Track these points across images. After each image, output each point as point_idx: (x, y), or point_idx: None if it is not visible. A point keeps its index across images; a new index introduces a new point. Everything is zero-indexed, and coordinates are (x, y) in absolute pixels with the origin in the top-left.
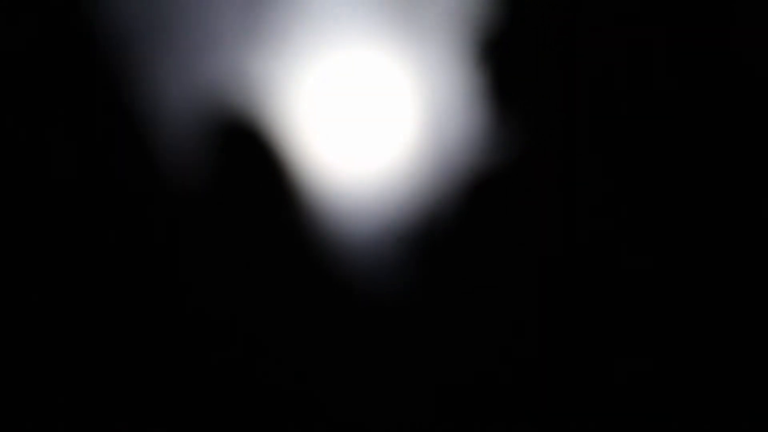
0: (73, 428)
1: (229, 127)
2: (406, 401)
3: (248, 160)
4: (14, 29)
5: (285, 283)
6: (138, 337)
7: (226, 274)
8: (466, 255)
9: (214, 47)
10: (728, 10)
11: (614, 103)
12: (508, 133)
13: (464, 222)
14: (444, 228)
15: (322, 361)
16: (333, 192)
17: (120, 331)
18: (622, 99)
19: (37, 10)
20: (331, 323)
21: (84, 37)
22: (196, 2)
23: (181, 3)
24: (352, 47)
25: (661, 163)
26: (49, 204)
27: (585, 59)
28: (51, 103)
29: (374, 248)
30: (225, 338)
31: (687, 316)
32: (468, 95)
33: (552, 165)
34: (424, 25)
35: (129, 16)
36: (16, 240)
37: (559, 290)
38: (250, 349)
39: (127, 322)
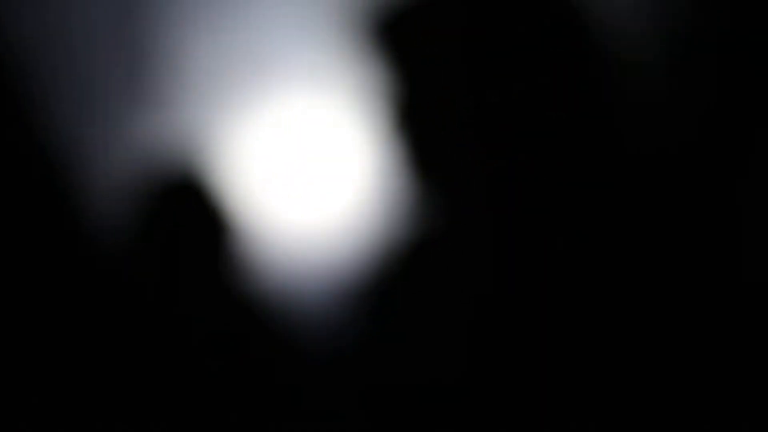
0: None
1: (170, 184)
2: None
3: (188, 217)
4: None
5: (226, 340)
6: (65, 402)
7: (163, 333)
8: (408, 310)
9: (154, 103)
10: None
11: (531, 162)
12: (439, 195)
13: (406, 277)
14: (387, 283)
15: (266, 418)
16: (277, 247)
17: (42, 394)
18: (537, 160)
19: None
20: (275, 379)
21: (11, 97)
22: (133, 57)
23: (120, 59)
24: (298, 102)
25: (582, 224)
26: None
27: (501, 127)
28: None
29: (318, 304)
30: (164, 399)
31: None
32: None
33: (480, 227)
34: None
35: (61, 76)
36: None
37: (493, 344)
38: (191, 406)
39: (52, 383)
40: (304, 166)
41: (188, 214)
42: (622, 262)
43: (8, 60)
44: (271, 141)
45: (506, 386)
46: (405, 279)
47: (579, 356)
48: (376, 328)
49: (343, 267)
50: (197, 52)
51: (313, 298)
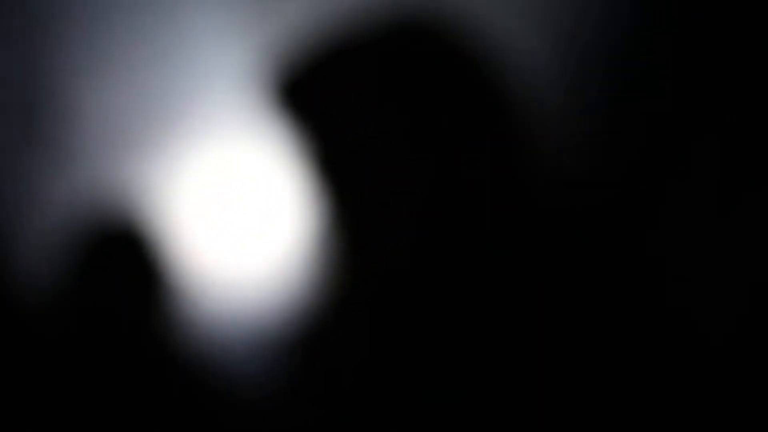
0: None
1: (95, 238)
2: None
3: (113, 270)
4: None
5: (157, 390)
6: None
7: (99, 384)
8: (336, 361)
9: (86, 153)
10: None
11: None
12: (361, 244)
13: (335, 326)
14: (316, 333)
15: None
16: (208, 296)
17: None
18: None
19: None
20: (204, 430)
21: None
22: (65, 108)
23: (50, 110)
24: (230, 151)
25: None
26: None
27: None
28: None
29: (246, 355)
30: None
31: None
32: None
33: (400, 277)
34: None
35: None
36: None
37: (413, 394)
38: None
39: None
40: (231, 218)
41: (114, 267)
42: (536, 316)
43: None
44: (195, 193)
45: None
46: (330, 330)
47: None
48: (303, 379)
49: (271, 318)
50: (115, 106)
51: (241, 349)
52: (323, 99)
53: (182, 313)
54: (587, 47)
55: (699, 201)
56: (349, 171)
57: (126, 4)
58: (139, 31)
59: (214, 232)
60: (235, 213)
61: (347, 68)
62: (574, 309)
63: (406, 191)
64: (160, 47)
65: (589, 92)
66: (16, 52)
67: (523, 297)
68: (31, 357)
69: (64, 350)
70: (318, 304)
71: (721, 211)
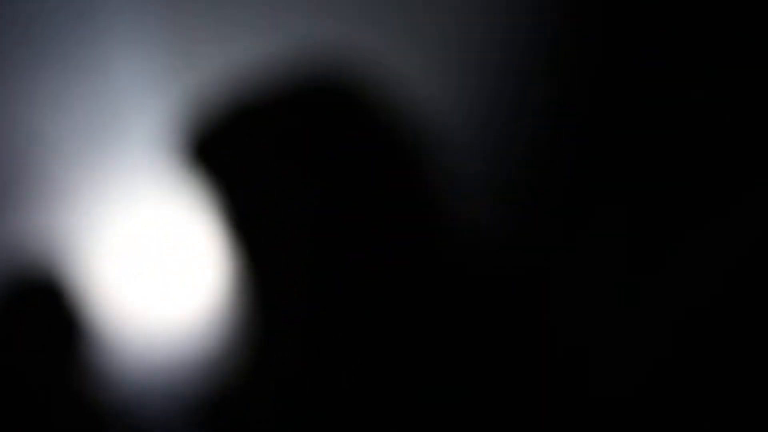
0: None
1: (23, 284)
2: None
3: (36, 317)
4: None
5: None
6: None
7: None
8: (254, 413)
9: (7, 204)
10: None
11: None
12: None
13: (252, 379)
14: (233, 384)
15: None
16: (125, 348)
17: None
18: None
19: None
20: None
21: None
22: None
23: None
24: (149, 203)
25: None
26: None
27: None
28: None
29: (163, 406)
30: None
31: None
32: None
33: (313, 335)
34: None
35: None
36: None
37: None
38: None
39: None
40: (148, 270)
41: (29, 319)
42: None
43: None
44: (112, 244)
45: None
46: (243, 382)
47: None
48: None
49: (186, 370)
50: (29, 154)
51: (157, 402)
52: (232, 156)
53: (99, 366)
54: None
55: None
56: (259, 226)
57: (43, 54)
58: (58, 80)
59: (131, 283)
60: (152, 265)
61: (257, 125)
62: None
63: (315, 246)
64: (79, 95)
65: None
66: None
67: (428, 351)
68: None
69: None
70: (231, 358)
71: (628, 274)
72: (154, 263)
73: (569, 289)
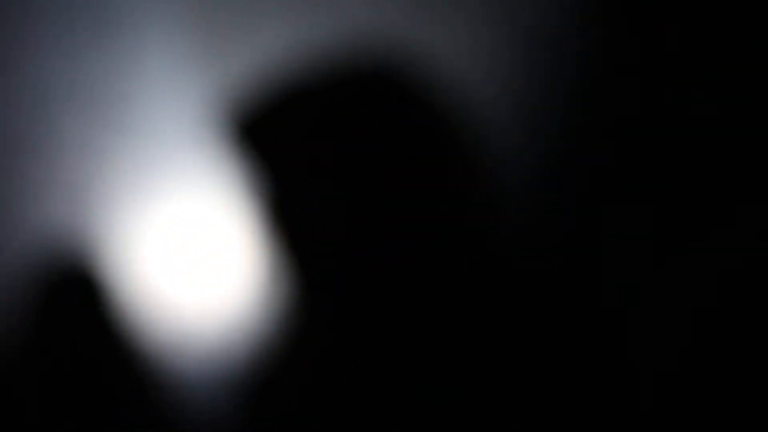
0: None
1: (60, 275)
2: None
3: (76, 308)
4: None
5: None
6: None
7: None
8: (290, 399)
9: (37, 195)
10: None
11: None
12: (309, 285)
13: (289, 366)
14: (270, 372)
15: None
16: (164, 335)
17: None
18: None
19: None
20: None
21: None
22: (14, 149)
23: (13, 153)
24: (184, 198)
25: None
26: None
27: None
28: None
29: (203, 391)
30: None
31: None
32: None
33: (350, 317)
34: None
35: None
36: None
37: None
38: None
39: None
40: (187, 259)
41: (68, 310)
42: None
43: None
44: (151, 235)
45: None
46: (285, 367)
47: None
48: (257, 417)
49: (228, 357)
50: (66, 147)
51: (198, 386)
52: (270, 143)
53: (137, 358)
54: (542, 86)
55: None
56: (297, 214)
57: (75, 48)
58: (92, 73)
59: (171, 273)
60: (188, 256)
61: (298, 109)
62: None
63: (357, 233)
64: (112, 87)
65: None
66: None
67: (473, 336)
68: None
69: (23, 394)
70: (272, 343)
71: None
72: (190, 254)
73: (607, 275)
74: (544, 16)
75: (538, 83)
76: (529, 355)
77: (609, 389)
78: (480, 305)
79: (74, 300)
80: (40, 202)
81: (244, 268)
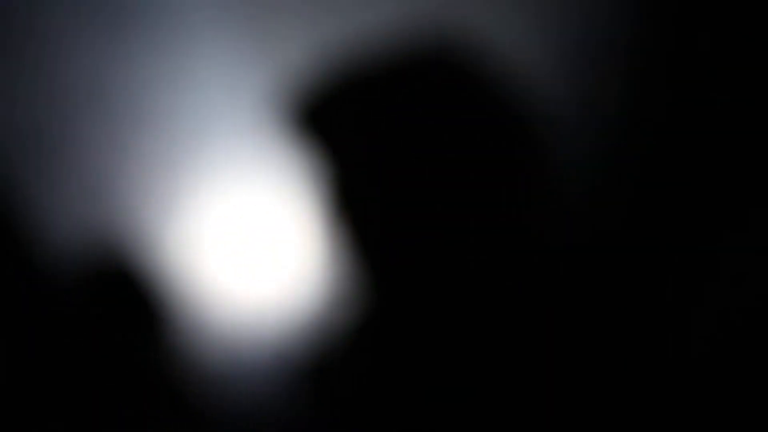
0: None
1: (115, 266)
2: None
3: (133, 300)
4: None
5: (171, 413)
6: None
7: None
8: (354, 386)
9: (96, 184)
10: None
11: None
12: (375, 275)
13: (352, 354)
14: (334, 359)
15: None
16: (227, 321)
17: None
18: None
19: None
20: None
21: None
22: (74, 139)
23: (80, 151)
24: (244, 181)
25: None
26: None
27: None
28: None
29: (266, 377)
30: None
31: None
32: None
33: (414, 306)
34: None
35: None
36: None
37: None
38: None
39: None
40: (248, 248)
41: (126, 302)
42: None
43: None
44: (211, 224)
45: None
46: (343, 358)
47: None
48: (315, 408)
49: (284, 347)
50: (124, 138)
51: (255, 378)
52: (333, 131)
53: (197, 347)
54: (596, 56)
55: (708, 214)
56: (364, 198)
57: (131, 39)
58: (148, 65)
59: (231, 263)
60: (251, 243)
61: (360, 94)
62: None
63: (420, 217)
64: (168, 79)
65: (602, 105)
66: (29, 78)
67: (536, 320)
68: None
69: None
70: (334, 332)
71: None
72: (251, 246)
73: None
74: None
75: (590, 64)
76: (584, 341)
77: (674, 380)
78: (540, 292)
79: (135, 295)
80: (104, 198)
81: (304, 259)
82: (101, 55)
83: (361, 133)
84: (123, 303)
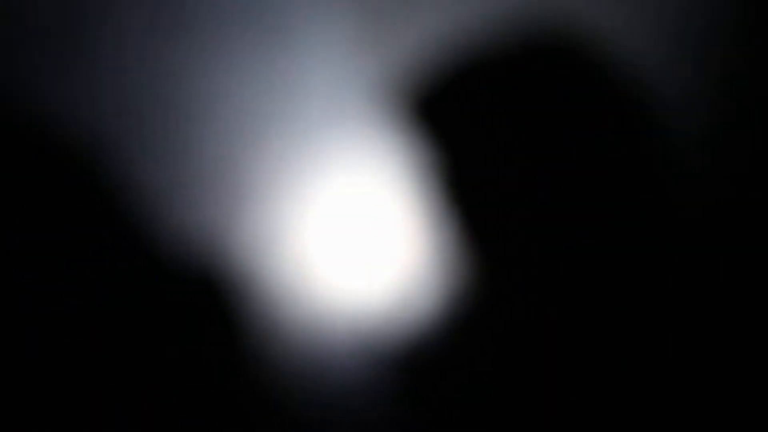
0: None
1: (225, 263)
2: None
3: (240, 294)
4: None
5: (264, 401)
6: None
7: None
8: (446, 384)
9: (205, 175)
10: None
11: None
12: (488, 268)
13: (449, 352)
14: (428, 355)
15: None
16: (330, 316)
17: None
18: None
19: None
20: None
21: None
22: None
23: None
24: (347, 177)
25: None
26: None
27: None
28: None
29: (358, 369)
30: None
31: None
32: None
33: (527, 300)
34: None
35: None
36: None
37: (533, 423)
38: None
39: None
40: (356, 243)
41: (230, 291)
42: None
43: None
44: (320, 216)
45: None
46: (451, 352)
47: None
48: (422, 401)
49: (388, 343)
50: (233, 129)
51: (357, 371)
52: (450, 118)
53: (300, 343)
54: (696, 41)
55: None
56: (478, 187)
57: (234, 38)
58: (253, 64)
59: (339, 257)
60: (361, 238)
61: (475, 83)
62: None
63: (536, 207)
64: (278, 75)
65: (703, 85)
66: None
67: (659, 304)
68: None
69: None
70: (439, 329)
71: None
72: (362, 238)
73: None
74: None
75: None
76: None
77: None
78: (654, 289)
79: (238, 288)
80: (211, 195)
81: (412, 253)
82: (208, 57)
83: (475, 124)
84: (224, 299)
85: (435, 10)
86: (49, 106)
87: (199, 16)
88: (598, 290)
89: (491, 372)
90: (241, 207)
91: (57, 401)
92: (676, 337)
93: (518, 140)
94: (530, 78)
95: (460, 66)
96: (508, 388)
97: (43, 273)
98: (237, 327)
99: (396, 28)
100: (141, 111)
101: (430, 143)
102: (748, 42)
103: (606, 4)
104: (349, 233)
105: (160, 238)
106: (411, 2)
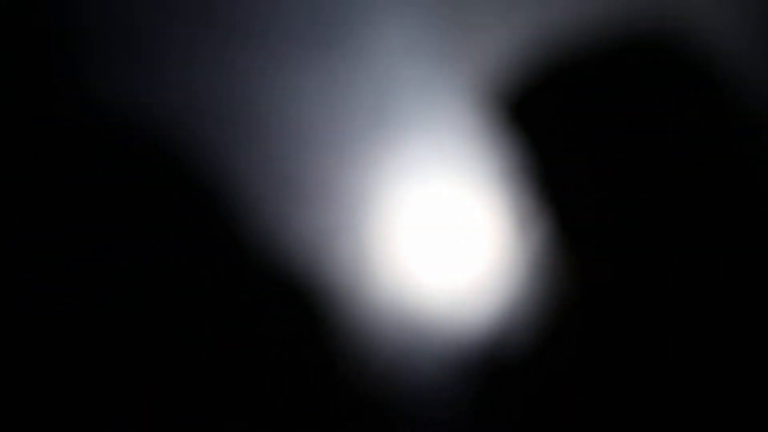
0: None
1: (320, 266)
2: None
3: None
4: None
5: (334, 399)
6: None
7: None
8: (534, 387)
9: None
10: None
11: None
12: (576, 270)
13: (526, 356)
14: (506, 359)
15: None
16: (422, 314)
17: None
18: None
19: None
20: None
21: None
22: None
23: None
24: (437, 183)
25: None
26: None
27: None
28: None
29: (447, 371)
30: None
31: None
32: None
33: (616, 302)
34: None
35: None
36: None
37: (617, 423)
38: None
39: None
40: (446, 244)
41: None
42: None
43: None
44: (409, 217)
45: None
46: (541, 357)
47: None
48: (504, 404)
49: (481, 343)
50: (318, 134)
51: (446, 372)
52: (544, 117)
53: (389, 341)
54: None
55: None
56: (572, 190)
57: (318, 42)
58: (346, 61)
59: (430, 258)
60: (451, 238)
61: (567, 84)
62: None
63: (629, 209)
64: (368, 78)
65: None
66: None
67: (746, 303)
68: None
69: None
70: (539, 329)
71: None
72: (451, 239)
73: None
74: None
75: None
76: None
77: None
78: (748, 291)
79: (332, 294)
80: (303, 196)
81: (501, 255)
82: (305, 65)
83: (568, 126)
84: (317, 304)
85: (524, 10)
86: (150, 113)
87: (293, 23)
88: (691, 292)
89: (582, 377)
90: (335, 213)
91: (146, 400)
92: None
93: (611, 142)
94: (624, 78)
95: (552, 67)
96: (596, 393)
97: (144, 274)
98: (330, 330)
99: (485, 30)
100: (240, 117)
101: (523, 146)
102: None
103: (707, 2)
104: (442, 238)
105: (256, 243)
106: (499, 2)
